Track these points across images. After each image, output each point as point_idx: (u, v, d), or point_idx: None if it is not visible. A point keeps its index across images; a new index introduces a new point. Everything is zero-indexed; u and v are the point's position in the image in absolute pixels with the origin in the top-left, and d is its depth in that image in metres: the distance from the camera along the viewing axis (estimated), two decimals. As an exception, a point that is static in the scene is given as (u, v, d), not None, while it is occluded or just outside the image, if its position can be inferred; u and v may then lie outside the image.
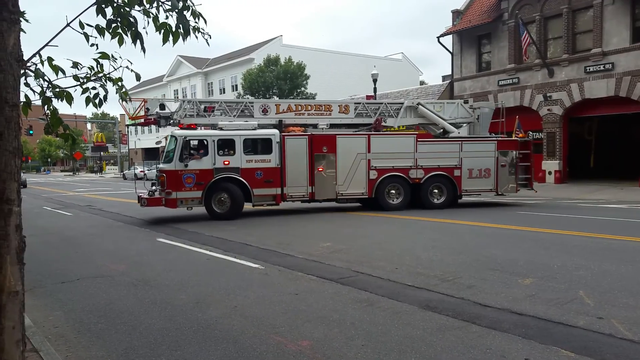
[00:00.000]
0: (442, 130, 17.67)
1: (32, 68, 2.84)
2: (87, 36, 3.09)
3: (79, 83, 3.12)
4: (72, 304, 6.67)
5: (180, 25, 3.08)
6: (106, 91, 3.29)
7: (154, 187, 15.13)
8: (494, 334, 5.08)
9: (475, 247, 9.53)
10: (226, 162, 14.52)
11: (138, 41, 3.18)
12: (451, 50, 30.34)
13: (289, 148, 15.07)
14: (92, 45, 3.15)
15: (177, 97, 60.54)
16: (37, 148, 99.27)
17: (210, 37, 3.30)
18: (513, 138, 17.19)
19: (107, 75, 3.23)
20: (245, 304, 6.40)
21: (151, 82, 69.54)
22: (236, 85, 48.28)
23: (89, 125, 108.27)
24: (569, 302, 6.03)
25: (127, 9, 3.01)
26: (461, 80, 29.77)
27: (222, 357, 4.75)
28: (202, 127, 15.87)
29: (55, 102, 3.05)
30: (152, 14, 3.13)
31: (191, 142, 14.51)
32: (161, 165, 15.24)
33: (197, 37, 3.22)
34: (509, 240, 10.23)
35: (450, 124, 17.60)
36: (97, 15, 3.03)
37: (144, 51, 3.20)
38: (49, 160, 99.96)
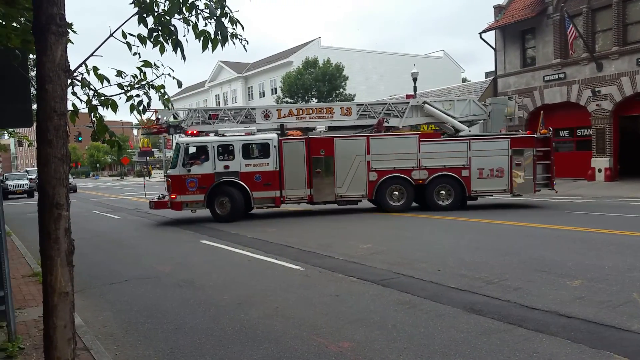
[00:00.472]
0: (454, 129, 17.10)
1: (79, 78, 2.96)
2: (129, 45, 3.20)
3: (123, 91, 3.24)
4: (120, 304, 6.90)
5: (219, 32, 3.14)
6: (149, 98, 3.40)
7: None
8: (540, 337, 4.92)
9: (521, 248, 9.26)
10: (226, 167, 15.16)
11: (178, 49, 3.26)
12: (494, 46, 29.63)
13: (286, 151, 15.40)
14: (135, 54, 3.26)
15: (219, 102, 61.72)
16: (86, 154, 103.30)
17: (248, 43, 3.36)
18: (528, 135, 16.24)
19: (150, 83, 3.34)
20: (286, 304, 6.45)
21: (193, 88, 71.07)
22: (275, 89, 48.73)
23: (135, 131, 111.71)
24: (622, 304, 5.78)
25: (168, 18, 3.10)
26: (505, 77, 29.04)
27: (265, 357, 4.80)
28: (206, 133, 16.31)
29: (101, 110, 3.18)
30: (192, 22, 3.21)
31: (193, 148, 15.24)
32: (168, 171, 16.12)
33: (234, 44, 3.27)
34: (557, 241, 9.90)
35: (462, 121, 16.97)
36: (139, 24, 3.13)
37: (184, 59, 3.29)
38: (98, 165, 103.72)
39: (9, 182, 36.20)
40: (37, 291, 7.23)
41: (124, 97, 3.29)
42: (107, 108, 3.19)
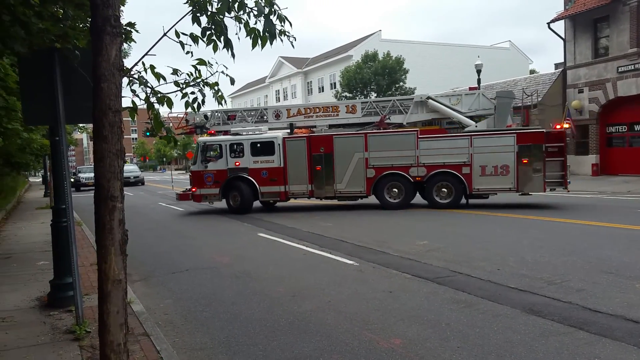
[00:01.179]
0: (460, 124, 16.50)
1: (136, 76, 3.09)
2: (182, 44, 3.31)
3: (179, 88, 3.36)
4: (181, 293, 7.18)
5: (267, 30, 3.19)
6: (203, 95, 3.51)
7: None
8: (604, 341, 4.68)
9: (587, 248, 8.81)
10: (237, 163, 16.65)
11: (228, 47, 3.34)
12: (563, 37, 28.22)
13: (289, 149, 16.39)
14: (187, 52, 3.37)
15: (279, 98, 62.56)
16: (153, 149, 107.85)
17: (295, 39, 3.39)
18: (537, 130, 15.12)
19: (205, 80, 3.44)
20: (339, 299, 6.48)
21: (254, 84, 72.35)
22: (335, 84, 48.74)
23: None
24: (698, 311, 5.38)
25: (221, 17, 3.18)
26: (575, 68, 27.60)
27: (316, 350, 4.85)
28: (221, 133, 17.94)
29: (158, 107, 3.30)
30: (244, 19, 3.27)
31: (209, 146, 16.97)
32: (191, 167, 18.08)
33: (282, 40, 3.32)
34: (626, 241, 9.32)
35: (470, 116, 16.30)
36: (193, 24, 3.23)
37: (234, 57, 3.36)
38: (165, 159, 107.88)
39: (81, 175, 38.36)
40: (105, 278, 7.62)
41: (179, 94, 3.42)
42: (162, 105, 3.32)
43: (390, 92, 37.60)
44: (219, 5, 3.10)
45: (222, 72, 3.41)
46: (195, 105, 3.50)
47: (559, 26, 28.43)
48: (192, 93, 3.49)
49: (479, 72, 27.48)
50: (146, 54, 3.02)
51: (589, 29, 26.89)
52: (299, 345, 4.99)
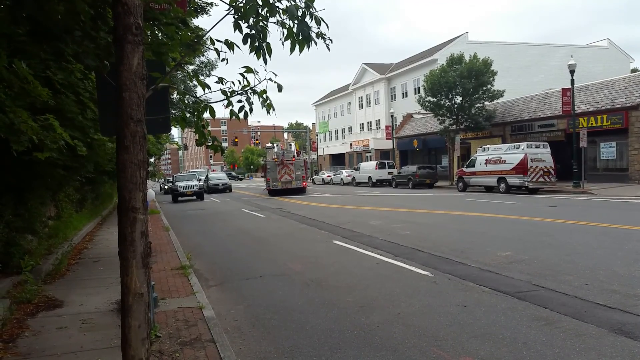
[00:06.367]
0: None
1: (183, 86, 3.13)
2: (217, 51, 3.32)
3: (225, 97, 3.35)
4: (252, 300, 7.27)
5: (300, 33, 3.09)
6: (250, 104, 3.48)
7: None
8: None
9: (696, 264, 7.84)
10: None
11: (260, 53, 3.28)
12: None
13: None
14: (223, 60, 3.36)
15: (361, 104, 62.57)
16: (242, 157, 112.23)
17: (332, 42, 3.26)
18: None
19: (253, 88, 3.41)
20: (409, 311, 6.24)
21: (338, 91, 72.99)
22: (418, 89, 47.88)
23: (285, 135, 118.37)
24: None
25: (265, 23, 3.14)
26: (684, 63, 25.02)
27: (378, 365, 4.67)
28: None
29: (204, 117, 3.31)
30: (288, 25, 3.20)
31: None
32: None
33: (316, 43, 3.20)
34: None
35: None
36: (235, 30, 3.21)
37: (266, 62, 3.29)
38: (252, 167, 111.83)
39: (179, 184, 34.50)
40: (182, 283, 7.91)
41: (225, 102, 3.42)
42: (203, 114, 3.32)
43: (477, 95, 36.26)
44: (247, 9, 3.02)
45: (270, 79, 3.35)
46: (241, 115, 3.48)
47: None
48: (239, 102, 3.47)
49: (572, 72, 25.77)
50: (178, 65, 3.05)
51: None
52: (363, 359, 4.84)
